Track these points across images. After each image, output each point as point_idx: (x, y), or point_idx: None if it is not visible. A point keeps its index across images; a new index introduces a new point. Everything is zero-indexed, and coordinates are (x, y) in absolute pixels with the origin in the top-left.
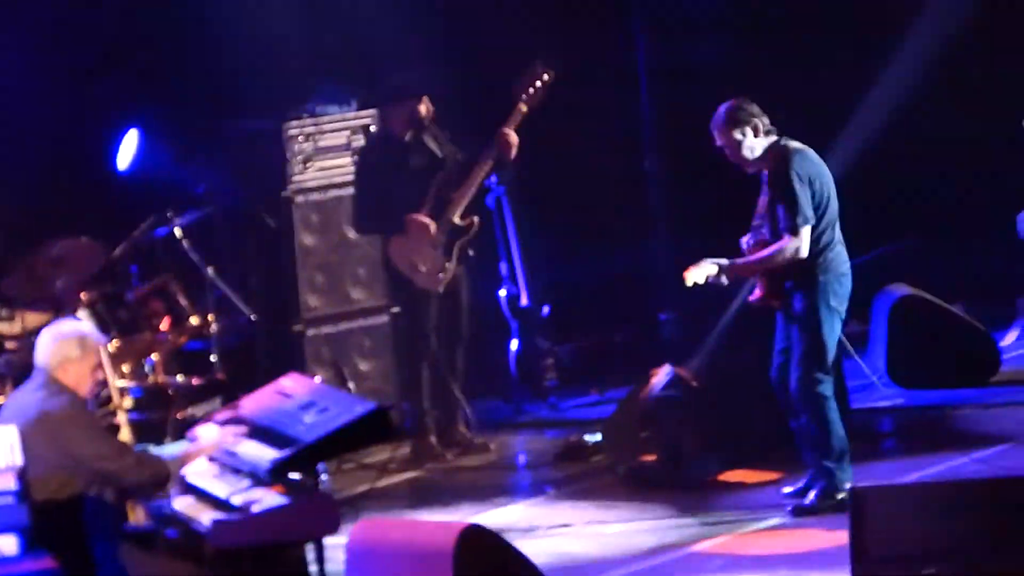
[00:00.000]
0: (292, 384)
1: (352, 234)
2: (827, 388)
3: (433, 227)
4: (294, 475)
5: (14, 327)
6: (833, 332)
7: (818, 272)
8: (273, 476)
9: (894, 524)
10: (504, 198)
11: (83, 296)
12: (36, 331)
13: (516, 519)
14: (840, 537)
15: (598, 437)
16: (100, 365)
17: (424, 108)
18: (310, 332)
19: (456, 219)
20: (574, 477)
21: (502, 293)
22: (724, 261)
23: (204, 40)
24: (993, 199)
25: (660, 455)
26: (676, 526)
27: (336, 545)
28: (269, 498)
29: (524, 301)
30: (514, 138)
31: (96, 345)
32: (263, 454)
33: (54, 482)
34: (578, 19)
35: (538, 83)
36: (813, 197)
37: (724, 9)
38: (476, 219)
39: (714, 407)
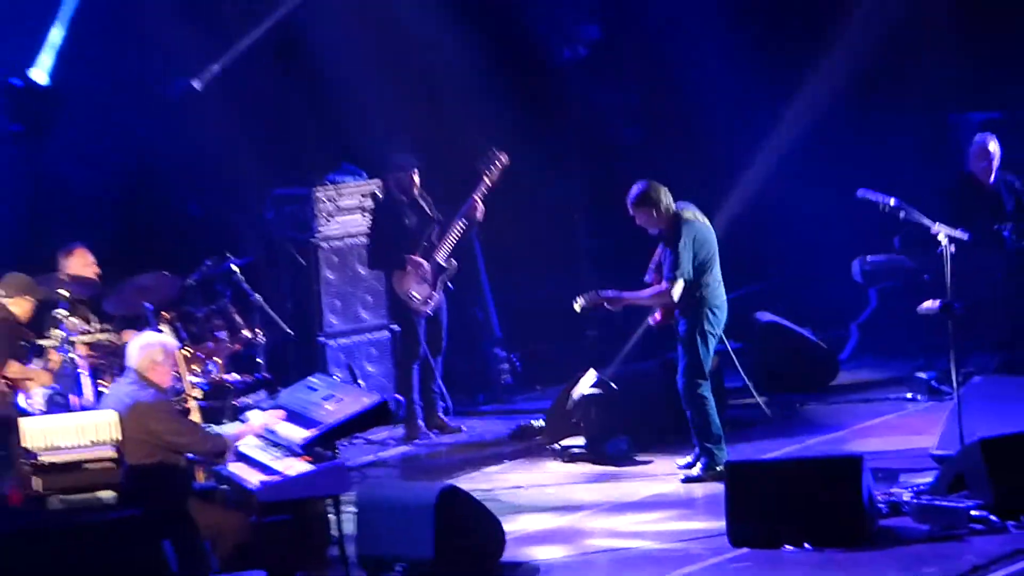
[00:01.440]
0: (317, 381)
1: (362, 270)
2: (706, 390)
3: (426, 265)
4: (319, 449)
5: (113, 337)
6: (707, 350)
7: (698, 305)
8: (304, 449)
9: (757, 490)
10: (477, 245)
11: (164, 314)
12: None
13: (480, 482)
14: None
15: (541, 423)
16: (176, 366)
17: (414, 179)
18: (330, 343)
19: (440, 261)
20: (522, 452)
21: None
22: (611, 293)
23: (251, 129)
24: (833, 249)
25: (586, 437)
26: (597, 489)
27: (348, 499)
28: (300, 465)
29: (492, 324)
30: (481, 204)
31: (173, 351)
32: (296, 433)
33: (141, 452)
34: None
35: (497, 164)
36: (695, 257)
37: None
38: (454, 261)
39: (625, 402)
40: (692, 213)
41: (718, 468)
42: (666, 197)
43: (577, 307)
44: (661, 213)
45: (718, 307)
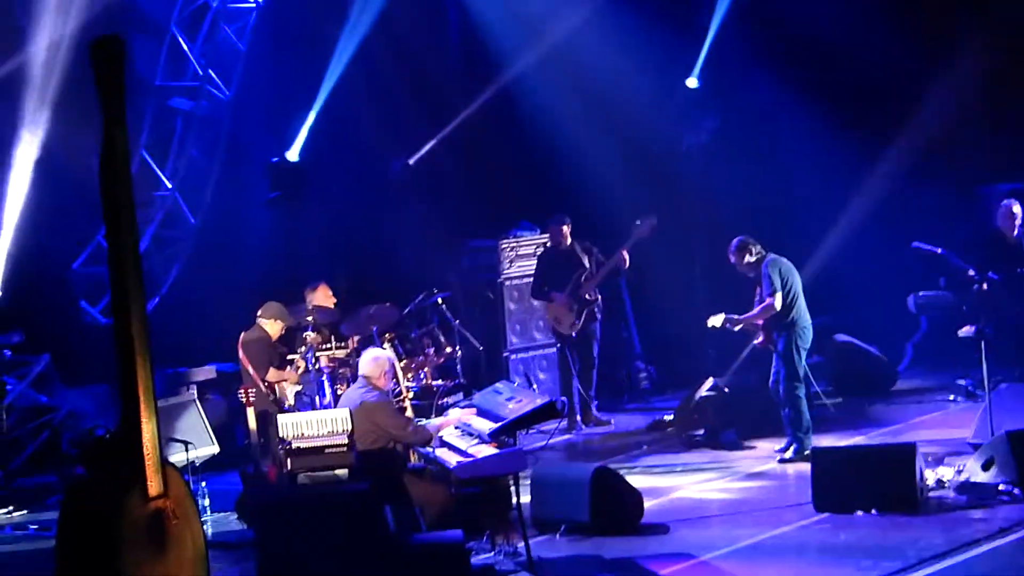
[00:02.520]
0: (502, 386)
1: (536, 303)
2: (801, 391)
3: (566, 299)
4: (503, 437)
5: (349, 353)
6: (800, 360)
7: (792, 326)
8: (491, 437)
9: (836, 469)
10: (624, 285)
11: (386, 335)
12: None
13: (624, 463)
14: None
15: (671, 418)
16: (396, 374)
17: (564, 231)
18: (512, 357)
19: (586, 296)
20: (657, 440)
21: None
22: (734, 316)
23: (451, 196)
24: (894, 287)
25: (705, 429)
26: (714, 468)
27: (525, 476)
28: (488, 450)
29: (636, 346)
30: (627, 255)
31: (394, 363)
32: (485, 425)
33: (368, 440)
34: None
35: (647, 225)
36: (785, 285)
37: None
38: (599, 296)
39: (735, 403)
40: (777, 256)
41: (806, 452)
42: (757, 245)
43: (710, 323)
44: (753, 257)
45: (806, 327)
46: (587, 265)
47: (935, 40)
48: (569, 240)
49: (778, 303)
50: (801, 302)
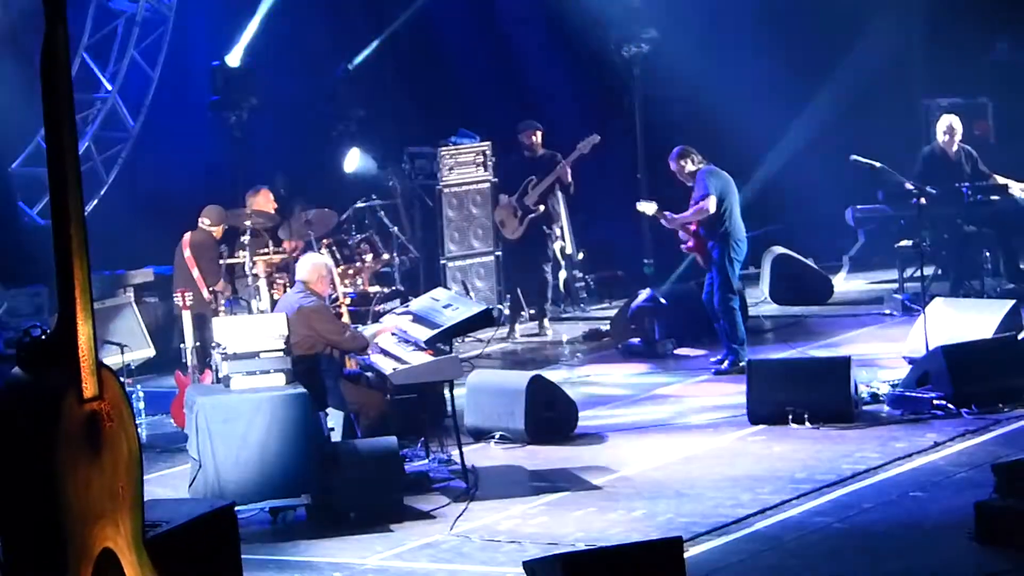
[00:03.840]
0: (439, 293)
1: (475, 210)
2: (735, 303)
3: (514, 203)
4: (439, 344)
5: (286, 258)
6: (734, 272)
7: (726, 237)
8: (427, 345)
9: (771, 381)
10: (563, 196)
11: (325, 241)
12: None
13: (560, 372)
14: (740, 388)
15: (608, 327)
16: (333, 280)
17: (533, 137)
18: (449, 264)
19: (529, 204)
20: (593, 349)
21: (556, 245)
22: (668, 212)
23: (392, 101)
24: (832, 200)
25: (641, 338)
26: (649, 378)
27: (461, 384)
28: (424, 357)
29: (569, 250)
30: (569, 170)
31: (331, 268)
32: (422, 332)
33: (304, 345)
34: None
35: (590, 142)
36: (720, 198)
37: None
38: (542, 207)
39: (672, 312)
40: (715, 167)
41: (741, 364)
42: (696, 156)
43: (640, 207)
44: (693, 166)
45: (740, 240)
46: (541, 171)
47: None
48: (539, 148)
49: (711, 206)
50: (736, 214)
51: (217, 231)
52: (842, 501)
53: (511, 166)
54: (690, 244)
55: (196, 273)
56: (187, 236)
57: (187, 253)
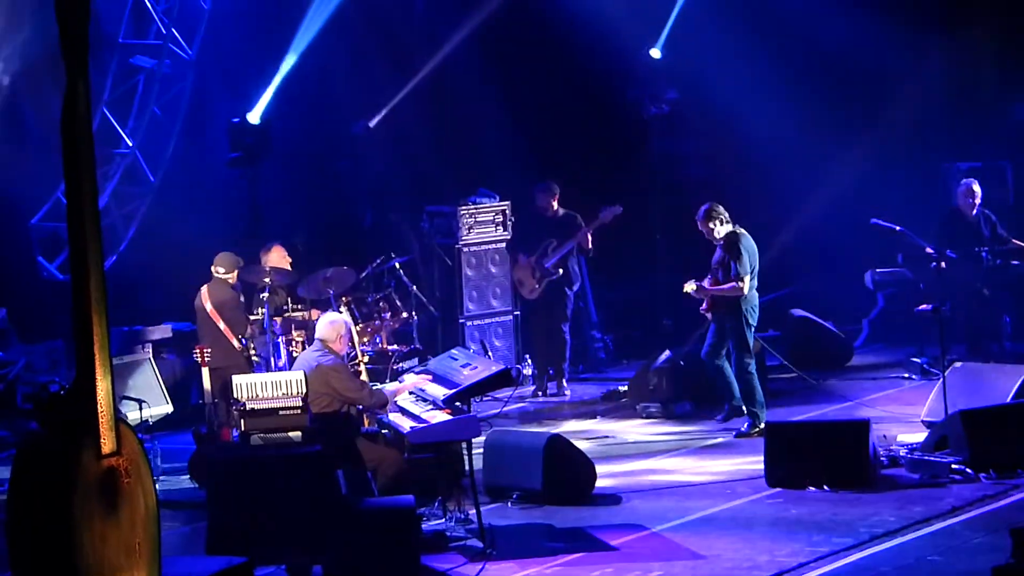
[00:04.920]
0: (457, 353)
1: (494, 269)
2: (752, 367)
3: (533, 265)
4: (457, 403)
5: (306, 316)
6: (751, 336)
7: (744, 303)
8: (445, 403)
9: (789, 444)
10: (584, 261)
11: (343, 299)
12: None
13: (578, 432)
14: (757, 449)
15: (625, 388)
16: (352, 338)
17: (550, 200)
18: (468, 323)
19: (548, 266)
20: (612, 410)
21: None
22: (704, 285)
23: (411, 159)
24: (851, 263)
25: (660, 400)
26: (667, 439)
27: (479, 443)
28: (442, 416)
29: (592, 316)
30: (591, 238)
31: (350, 327)
32: (440, 391)
33: (322, 403)
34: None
35: (612, 212)
36: (750, 272)
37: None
38: (561, 271)
39: (690, 374)
40: (744, 232)
41: (760, 427)
42: (724, 215)
43: (686, 288)
44: (721, 227)
45: (756, 306)
46: (560, 234)
47: (902, 18)
48: (555, 208)
49: (746, 287)
50: (755, 280)
51: (232, 277)
52: (859, 564)
53: (527, 225)
54: (705, 307)
55: (222, 325)
56: (204, 290)
57: (208, 307)
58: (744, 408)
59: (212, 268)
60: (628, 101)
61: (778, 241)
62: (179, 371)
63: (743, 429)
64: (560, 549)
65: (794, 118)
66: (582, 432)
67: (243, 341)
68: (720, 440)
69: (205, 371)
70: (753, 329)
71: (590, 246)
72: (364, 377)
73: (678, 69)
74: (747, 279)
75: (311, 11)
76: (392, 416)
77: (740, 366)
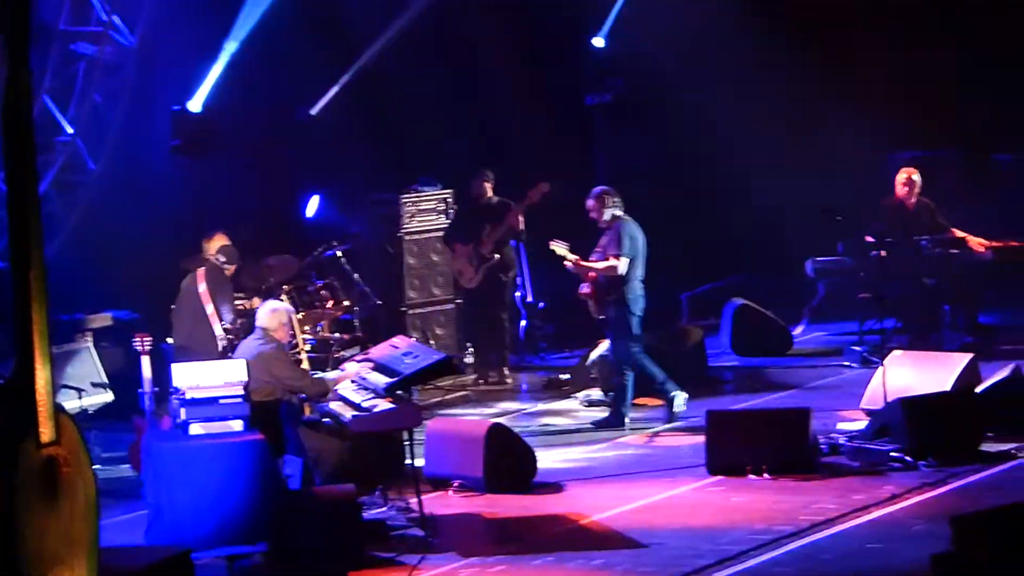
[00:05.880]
0: (399, 341)
1: (435, 257)
2: (639, 350)
3: (470, 252)
4: (398, 392)
5: (248, 305)
6: (636, 323)
7: (627, 293)
8: (387, 392)
9: (730, 432)
10: (523, 249)
11: (285, 287)
12: (256, 307)
13: (520, 420)
14: (699, 438)
15: (568, 376)
16: (292, 326)
17: (484, 185)
18: (409, 312)
19: (484, 253)
20: (553, 398)
21: (517, 294)
22: (578, 258)
23: (354, 148)
24: (792, 251)
25: (601, 388)
26: (609, 428)
27: (420, 432)
28: (383, 404)
29: (529, 298)
30: (521, 216)
31: (291, 315)
32: (381, 380)
33: (263, 392)
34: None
35: (539, 190)
36: (630, 256)
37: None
38: (497, 256)
39: None
40: (631, 220)
41: (673, 397)
42: (616, 200)
43: (552, 245)
44: (609, 212)
45: (639, 296)
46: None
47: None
48: (490, 195)
49: (623, 267)
50: (639, 272)
51: (230, 270)
52: (800, 552)
53: (464, 214)
54: (586, 290)
55: (210, 309)
56: (201, 271)
57: (202, 288)
58: (614, 402)
59: (212, 255)
60: (571, 89)
61: (721, 230)
62: (120, 360)
63: (674, 409)
64: (502, 538)
65: (736, 107)
66: (524, 420)
67: (227, 330)
68: (661, 428)
69: (145, 359)
70: (638, 319)
71: (521, 227)
72: (305, 365)
73: (623, 58)
74: (623, 260)
75: None
76: (333, 405)
77: (626, 353)
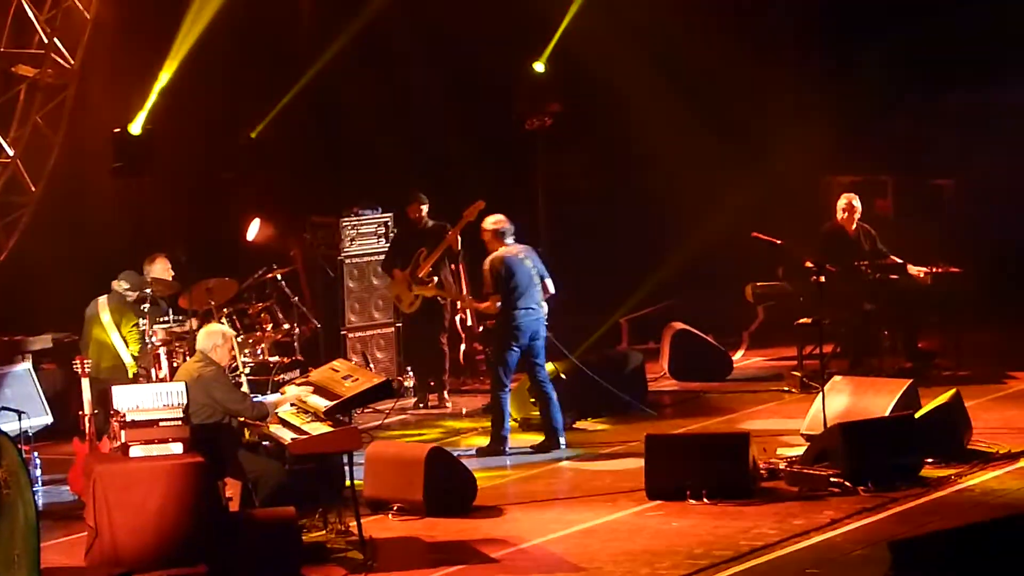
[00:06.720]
0: (339, 364)
1: (376, 281)
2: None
3: (408, 277)
4: (338, 415)
5: (186, 328)
6: (512, 356)
7: (509, 321)
8: (327, 415)
9: (669, 456)
10: (462, 271)
11: (224, 310)
12: (198, 329)
13: (459, 444)
14: (639, 462)
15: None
16: (232, 349)
17: (420, 209)
18: (350, 335)
19: (421, 276)
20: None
21: (457, 317)
22: (465, 293)
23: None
24: (732, 276)
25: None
26: (549, 452)
27: (360, 455)
28: (323, 427)
29: (469, 322)
30: (458, 236)
31: (231, 338)
32: (321, 403)
33: (203, 414)
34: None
35: (474, 208)
36: (509, 281)
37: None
38: (435, 278)
39: (573, 387)
40: (515, 251)
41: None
42: (510, 229)
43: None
44: (498, 246)
45: (518, 325)
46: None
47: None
48: (424, 219)
49: (496, 307)
50: (524, 301)
51: (133, 297)
52: None
53: (401, 240)
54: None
55: (117, 338)
56: (103, 299)
57: (105, 318)
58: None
59: (114, 283)
60: (510, 114)
61: (660, 254)
62: (59, 382)
63: (480, 448)
64: (441, 561)
65: (677, 130)
66: (463, 444)
67: (135, 357)
68: (601, 452)
69: (85, 382)
70: (516, 352)
71: (459, 248)
72: (245, 388)
73: (562, 83)
74: (497, 299)
75: (190, 18)
76: (272, 427)
77: (500, 383)
